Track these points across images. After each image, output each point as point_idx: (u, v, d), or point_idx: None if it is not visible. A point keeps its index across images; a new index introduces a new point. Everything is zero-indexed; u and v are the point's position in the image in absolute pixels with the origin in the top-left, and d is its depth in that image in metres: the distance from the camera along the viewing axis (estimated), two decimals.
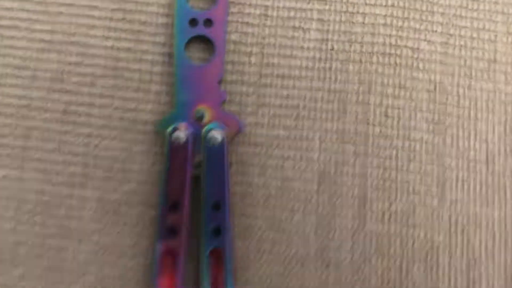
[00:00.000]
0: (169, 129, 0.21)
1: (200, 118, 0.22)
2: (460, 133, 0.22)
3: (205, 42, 0.23)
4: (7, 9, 0.23)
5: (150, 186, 0.22)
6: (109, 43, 0.23)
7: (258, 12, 0.23)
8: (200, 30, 0.22)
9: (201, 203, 0.21)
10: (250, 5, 0.23)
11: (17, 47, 0.23)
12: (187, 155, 0.21)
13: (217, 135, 0.21)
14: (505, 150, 0.22)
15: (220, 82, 0.22)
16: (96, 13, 0.23)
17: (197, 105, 0.22)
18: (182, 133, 0.21)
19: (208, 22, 0.22)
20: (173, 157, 0.21)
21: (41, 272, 0.22)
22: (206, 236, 0.20)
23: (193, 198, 0.21)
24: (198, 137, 0.21)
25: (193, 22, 0.22)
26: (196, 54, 0.23)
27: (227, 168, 0.21)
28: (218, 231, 0.20)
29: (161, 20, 0.23)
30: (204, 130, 0.21)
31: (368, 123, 0.22)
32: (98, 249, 0.22)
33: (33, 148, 0.22)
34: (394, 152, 0.22)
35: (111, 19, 0.23)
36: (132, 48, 0.23)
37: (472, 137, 0.22)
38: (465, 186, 0.22)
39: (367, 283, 0.21)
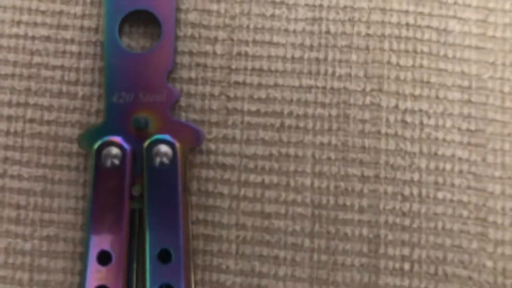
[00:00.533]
0: (96, 145, 0.15)
1: (142, 127, 0.15)
2: (507, 147, 0.16)
3: (148, 20, 0.16)
4: None
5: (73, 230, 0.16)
6: (21, 30, 0.17)
7: None
8: (140, 2, 0.16)
9: (144, 252, 0.15)
10: None
11: None
12: (122, 181, 0.15)
13: (165, 151, 0.15)
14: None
15: (169, 75, 0.16)
16: None
17: (136, 110, 0.15)
18: (115, 151, 0.15)
19: None
20: (102, 185, 0.15)
21: None
22: None
23: (132, 245, 0.15)
24: (138, 155, 0.15)
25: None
26: (135, 37, 0.17)
27: (182, 198, 0.15)
28: None
29: None
30: (146, 144, 0.15)
31: (379, 135, 0.16)
32: None
33: None
34: (417, 175, 0.16)
35: None
36: (51, 36, 0.17)
37: None
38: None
39: None
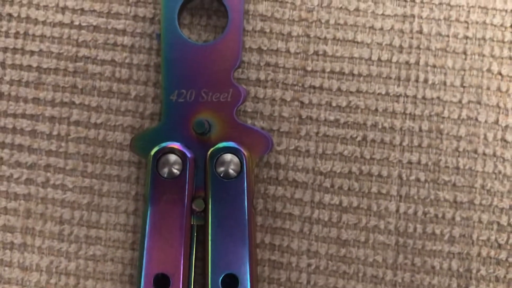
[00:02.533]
0: (152, 152, 0.13)
1: (204, 132, 0.13)
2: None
3: (211, 10, 0.14)
4: None
5: (122, 249, 0.14)
6: (66, 18, 0.14)
7: None
8: None
9: (205, 276, 0.13)
10: None
11: None
12: (182, 194, 0.13)
13: (231, 162, 0.13)
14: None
15: (234, 70, 0.14)
16: None
17: (198, 111, 0.13)
18: (173, 158, 0.13)
19: None
20: (159, 198, 0.13)
21: None
22: None
23: (191, 267, 0.13)
24: (199, 164, 0.13)
25: None
26: (196, 30, 0.14)
27: (249, 215, 0.13)
28: None
29: None
30: (210, 151, 0.13)
31: (475, 155, 0.14)
32: None
33: None
34: None
35: None
36: (100, 27, 0.14)
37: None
38: None
39: None
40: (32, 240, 0.14)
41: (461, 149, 0.14)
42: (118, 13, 0.15)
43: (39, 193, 0.14)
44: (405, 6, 0.15)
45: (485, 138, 0.14)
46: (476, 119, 0.14)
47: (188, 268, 0.13)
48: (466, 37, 0.14)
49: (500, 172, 0.14)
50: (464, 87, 0.14)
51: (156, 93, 0.14)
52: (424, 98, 0.14)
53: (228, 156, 0.13)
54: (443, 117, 0.14)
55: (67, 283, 0.14)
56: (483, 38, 0.14)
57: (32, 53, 0.15)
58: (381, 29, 0.14)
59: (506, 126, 0.14)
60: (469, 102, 0.14)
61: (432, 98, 0.14)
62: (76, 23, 0.15)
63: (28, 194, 0.14)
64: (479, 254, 0.14)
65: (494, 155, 0.14)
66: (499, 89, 0.14)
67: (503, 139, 0.14)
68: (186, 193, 0.13)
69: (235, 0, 0.14)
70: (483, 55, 0.14)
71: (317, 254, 0.14)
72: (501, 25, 0.14)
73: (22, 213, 0.14)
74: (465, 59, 0.14)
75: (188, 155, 0.13)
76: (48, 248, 0.14)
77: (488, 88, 0.14)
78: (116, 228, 0.14)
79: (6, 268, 0.14)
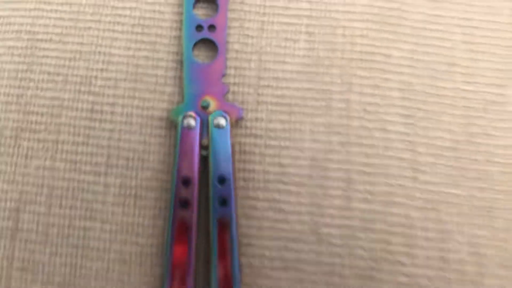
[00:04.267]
0: (180, 116, 0.25)
1: (206, 107, 0.26)
2: (429, 125, 0.26)
3: (209, 44, 0.27)
4: (44, 25, 0.28)
5: (165, 173, 0.26)
6: (130, 52, 0.27)
7: (255, 26, 0.28)
8: (205, 34, 0.27)
9: (209, 178, 0.24)
10: (249, 20, 0.28)
11: (51, 56, 0.27)
12: (196, 137, 0.25)
13: (221, 120, 0.25)
14: (467, 139, 0.26)
15: (222, 77, 0.26)
16: (119, 28, 0.27)
17: (203, 97, 0.26)
18: (191, 120, 0.25)
19: (212, 28, 0.27)
20: (184, 140, 0.25)
21: (70, 250, 0.25)
22: (214, 207, 0.24)
23: (201, 174, 0.25)
24: (204, 123, 0.25)
25: (199, 27, 0.27)
26: (202, 54, 0.27)
27: (231, 148, 0.25)
28: (224, 202, 0.24)
29: (174, 33, 0.27)
30: (210, 116, 0.25)
31: (350, 118, 0.26)
32: (119, 229, 0.25)
33: (64, 141, 0.26)
34: (374, 142, 0.26)
35: (131, 32, 0.27)
36: (149, 56, 0.27)
37: (439, 128, 0.26)
38: (435, 170, 0.26)
39: (354, 255, 0.25)
40: None
41: None
42: None
43: None
44: None
45: None
46: None
47: (199, 176, 0.24)
48: None
49: None
50: None
51: (181, 87, 0.27)
52: None
53: (221, 118, 0.25)
54: None
55: None
56: None
57: None
58: None
59: None
60: None
61: None
62: None
63: None
64: None
65: None
66: None
67: None
68: (197, 136, 0.25)
69: (221, 39, 0.27)
70: None
71: None
72: None
73: None
74: None
75: (197, 117, 0.25)
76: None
77: None
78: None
79: None
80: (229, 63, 0.27)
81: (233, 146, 0.25)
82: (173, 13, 0.28)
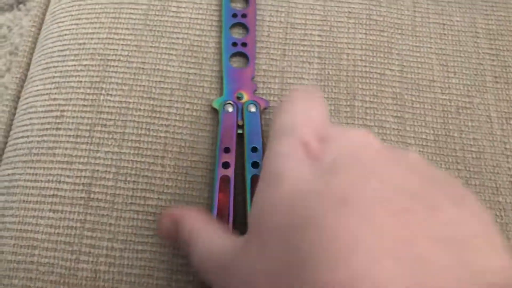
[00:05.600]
0: (221, 104, 0.33)
1: (241, 98, 0.33)
2: (416, 123, 0.34)
3: (242, 55, 0.35)
4: (113, 49, 0.36)
5: (209, 157, 0.32)
6: (182, 70, 0.35)
7: (279, 52, 0.36)
8: (239, 48, 0.35)
9: (244, 148, 0.31)
10: (274, 48, 0.36)
11: (119, 72, 0.35)
12: (233, 119, 0.32)
13: (252, 107, 0.32)
14: (445, 133, 0.33)
15: (252, 78, 0.34)
16: (173, 52, 0.36)
17: (238, 91, 0.33)
18: (230, 106, 0.32)
19: (244, 44, 0.35)
20: (225, 120, 0.32)
21: (132, 215, 0.31)
22: (248, 168, 0.30)
23: (238, 146, 0.31)
24: (239, 110, 0.32)
25: (234, 44, 0.35)
26: (236, 62, 0.35)
27: (260, 126, 0.31)
28: (256, 165, 0.30)
29: (216, 57, 0.36)
30: (244, 104, 0.33)
31: (354, 118, 0.34)
32: (172, 198, 0.31)
33: (129, 133, 0.33)
34: None
35: (183, 55, 0.35)
36: (197, 73, 0.35)
37: (423, 126, 0.34)
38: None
39: None
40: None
41: None
42: None
43: None
44: None
45: None
46: None
47: (236, 147, 0.31)
48: None
49: None
50: None
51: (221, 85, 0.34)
52: None
53: (252, 106, 0.32)
54: None
55: None
56: None
57: None
58: None
59: None
60: None
61: None
62: None
63: None
64: None
65: None
66: None
67: None
68: (235, 118, 0.32)
69: (251, 52, 0.35)
70: None
71: None
72: None
73: None
74: None
75: (234, 104, 0.32)
76: None
77: None
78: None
79: None
80: (258, 79, 0.35)
81: (262, 125, 0.32)
82: (215, 42, 0.36)
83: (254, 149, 0.31)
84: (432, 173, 0.19)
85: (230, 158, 0.31)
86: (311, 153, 0.20)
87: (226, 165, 0.30)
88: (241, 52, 0.35)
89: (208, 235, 0.23)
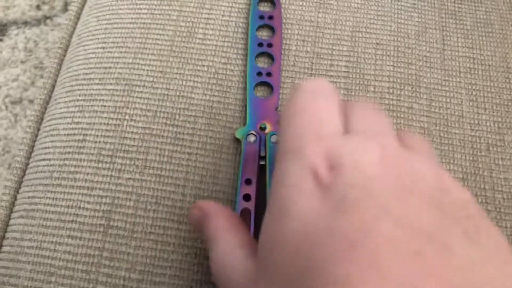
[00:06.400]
0: (244, 134, 0.32)
1: (264, 128, 0.32)
2: (444, 160, 0.33)
3: (267, 85, 0.35)
4: (138, 74, 0.35)
5: (229, 188, 0.32)
6: (206, 97, 0.35)
7: (302, 76, 0.35)
8: (264, 78, 0.35)
9: (266, 180, 0.30)
10: (299, 78, 0.35)
11: (144, 98, 0.35)
12: (256, 149, 0.31)
13: (275, 138, 0.32)
14: (474, 171, 0.32)
15: (276, 109, 0.33)
16: (198, 79, 0.35)
17: (261, 121, 0.33)
18: (252, 136, 0.32)
19: (269, 74, 0.35)
20: (247, 151, 0.31)
21: (151, 244, 0.30)
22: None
23: (260, 178, 0.31)
24: (262, 141, 0.32)
25: (259, 74, 0.35)
26: (261, 92, 0.35)
27: None
28: None
29: (241, 85, 0.35)
30: (267, 135, 0.32)
31: None
32: (192, 229, 0.31)
33: (151, 160, 0.33)
34: None
35: (208, 83, 0.35)
36: (221, 101, 0.35)
37: (452, 163, 0.33)
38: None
39: None
40: None
41: None
42: None
43: None
44: None
45: None
46: None
47: (258, 179, 0.31)
48: None
49: None
50: None
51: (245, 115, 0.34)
52: None
53: (274, 136, 0.32)
54: None
55: None
56: None
57: None
58: None
59: None
60: None
61: None
62: None
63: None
64: None
65: None
66: None
67: None
68: (257, 149, 0.31)
69: (276, 82, 0.34)
70: None
71: None
72: None
73: None
74: None
75: (257, 135, 0.32)
76: None
77: None
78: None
79: None
80: (282, 97, 0.34)
81: None
82: (240, 70, 0.36)
83: None
84: (449, 199, 0.18)
85: (252, 190, 0.30)
86: (320, 183, 0.19)
87: (247, 197, 0.30)
88: (266, 82, 0.34)
89: (225, 246, 0.23)
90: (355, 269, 0.15)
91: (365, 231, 0.16)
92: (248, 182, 0.30)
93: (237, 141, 0.33)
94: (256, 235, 0.29)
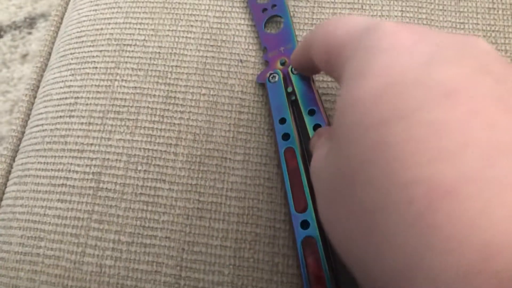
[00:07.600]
0: (267, 76, 0.30)
1: (284, 63, 0.30)
2: None
3: (277, 19, 0.33)
4: (130, 34, 0.34)
5: (224, 145, 0.30)
6: (200, 53, 0.33)
7: (302, 27, 0.33)
8: (270, 12, 0.33)
9: (301, 114, 0.28)
10: (298, 23, 0.33)
11: (135, 57, 0.33)
12: (281, 87, 0.29)
13: None
14: None
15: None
16: (191, 35, 0.33)
17: (279, 57, 0.31)
18: (275, 75, 0.30)
19: (274, 6, 0.33)
20: (273, 92, 0.29)
21: (141, 206, 0.29)
22: (311, 133, 0.27)
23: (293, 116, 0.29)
24: (287, 75, 0.29)
25: (264, 10, 0.33)
26: (269, 29, 0.33)
27: (312, 86, 0.28)
28: (318, 126, 0.27)
29: (236, 39, 0.33)
30: (289, 68, 0.29)
31: None
32: (184, 189, 0.29)
33: (142, 120, 0.31)
34: None
35: (201, 38, 0.33)
36: (215, 56, 0.33)
37: None
38: None
39: None
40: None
41: None
42: None
43: None
44: None
45: None
46: None
47: (293, 118, 0.28)
48: None
49: None
50: None
51: (241, 78, 0.32)
52: None
53: None
54: None
55: None
56: None
57: None
58: None
59: None
60: None
61: None
62: None
63: None
64: None
65: None
66: None
67: None
68: (282, 86, 0.29)
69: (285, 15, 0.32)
70: None
71: None
72: None
73: None
74: None
75: (281, 71, 0.29)
76: None
77: None
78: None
79: None
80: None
81: (314, 83, 0.29)
82: (236, 24, 0.33)
83: (311, 112, 0.27)
84: None
85: (288, 128, 0.28)
86: (406, 41, 0.17)
87: (286, 136, 0.28)
88: (276, 15, 0.33)
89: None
90: (455, 116, 0.14)
91: (466, 82, 0.15)
92: (282, 121, 0.28)
93: (233, 96, 0.31)
94: (306, 168, 0.27)
